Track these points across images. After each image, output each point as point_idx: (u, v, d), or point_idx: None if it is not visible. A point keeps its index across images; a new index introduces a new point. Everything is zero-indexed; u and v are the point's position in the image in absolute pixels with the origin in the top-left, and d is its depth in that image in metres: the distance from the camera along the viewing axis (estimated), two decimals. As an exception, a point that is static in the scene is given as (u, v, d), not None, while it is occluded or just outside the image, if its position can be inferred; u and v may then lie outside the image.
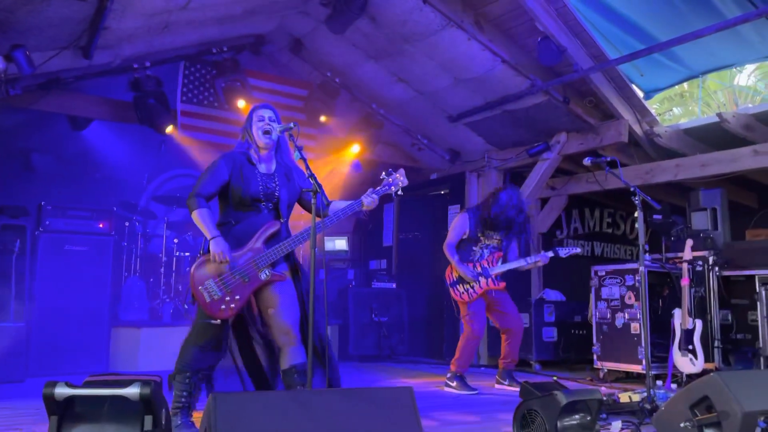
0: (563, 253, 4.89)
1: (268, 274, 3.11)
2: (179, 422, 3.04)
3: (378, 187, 3.31)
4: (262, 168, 3.28)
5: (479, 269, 4.85)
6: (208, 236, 3.06)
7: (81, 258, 5.57)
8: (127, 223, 6.66)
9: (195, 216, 3.10)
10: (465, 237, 4.95)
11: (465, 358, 4.87)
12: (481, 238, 4.92)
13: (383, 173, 3.35)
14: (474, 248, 4.93)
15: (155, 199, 7.33)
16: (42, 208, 5.51)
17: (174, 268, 6.81)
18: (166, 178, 7.84)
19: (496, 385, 4.99)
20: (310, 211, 3.20)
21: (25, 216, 5.34)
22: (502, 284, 4.91)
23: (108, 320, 5.69)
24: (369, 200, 3.25)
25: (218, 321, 3.07)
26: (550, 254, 4.86)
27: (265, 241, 3.14)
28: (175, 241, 6.86)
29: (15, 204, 5.41)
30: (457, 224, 4.99)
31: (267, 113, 3.30)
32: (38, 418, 3.51)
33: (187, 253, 6.95)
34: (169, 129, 6.28)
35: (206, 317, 3.08)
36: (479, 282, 4.82)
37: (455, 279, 4.89)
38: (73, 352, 5.40)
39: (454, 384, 4.83)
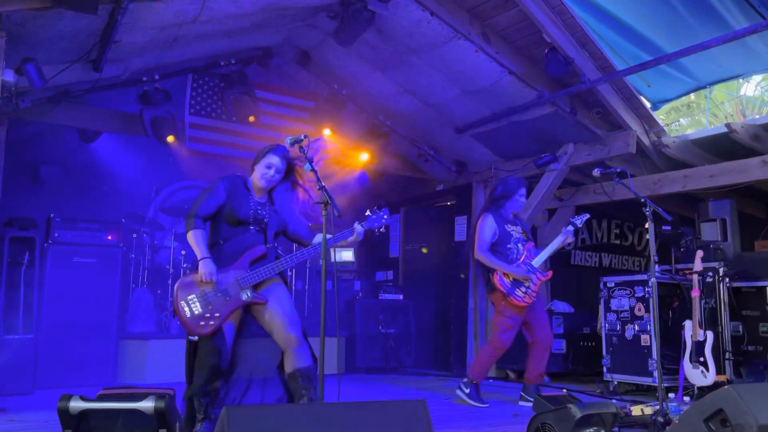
0: (579, 222, 4.87)
1: (249, 295, 3.18)
2: (197, 429, 3.09)
3: (363, 222, 3.43)
4: (256, 195, 3.41)
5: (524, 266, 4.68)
6: (199, 257, 3.17)
7: (89, 270, 5.58)
8: (134, 235, 6.66)
9: (190, 236, 3.22)
10: (496, 239, 4.74)
11: (485, 367, 4.74)
12: (511, 232, 4.77)
13: (368, 210, 3.45)
14: (509, 245, 4.73)
15: (163, 211, 7.35)
16: (51, 220, 5.53)
17: (181, 280, 6.79)
18: (174, 190, 7.86)
19: (521, 402, 4.75)
20: (294, 239, 3.48)
21: (34, 228, 5.35)
22: (550, 272, 4.80)
23: (116, 332, 5.69)
24: (353, 234, 3.36)
25: (196, 338, 3.15)
26: (570, 228, 4.80)
27: (250, 263, 3.23)
28: (183, 252, 6.85)
29: (24, 216, 5.42)
30: (485, 226, 4.75)
31: (276, 162, 3.38)
32: (48, 431, 3.50)
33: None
34: (171, 139, 6.30)
35: (188, 334, 3.17)
36: (532, 278, 4.63)
37: (511, 284, 4.63)
38: (80, 364, 5.40)
39: (467, 391, 4.70)
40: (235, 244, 3.26)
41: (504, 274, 4.65)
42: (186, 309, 3.11)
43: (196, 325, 3.10)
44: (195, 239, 3.19)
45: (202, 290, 3.13)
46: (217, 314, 3.11)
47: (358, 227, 3.37)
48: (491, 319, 6.82)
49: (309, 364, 3.18)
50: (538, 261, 4.71)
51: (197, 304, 3.11)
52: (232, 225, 3.28)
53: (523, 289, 4.62)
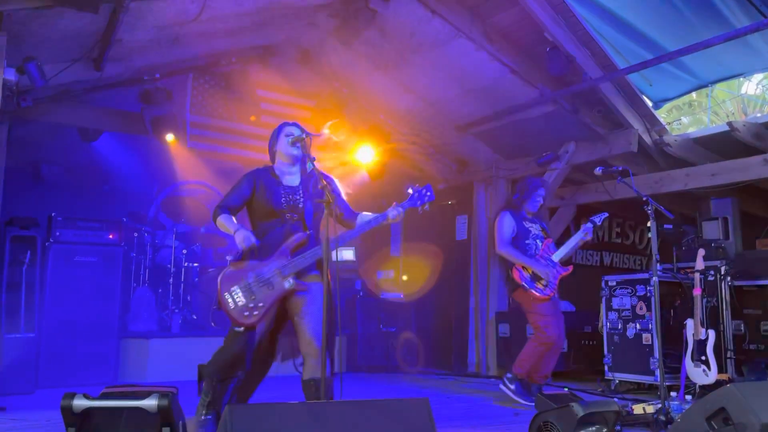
0: (598, 220, 4.87)
1: (292, 282, 3.15)
2: (201, 418, 3.08)
3: (404, 201, 3.37)
4: (286, 180, 3.36)
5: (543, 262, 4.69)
6: (231, 231, 3.17)
7: (91, 269, 5.58)
8: (136, 234, 6.67)
9: (218, 222, 3.24)
10: (514, 236, 4.77)
11: (531, 364, 4.65)
12: (530, 229, 4.79)
13: (409, 187, 3.39)
14: (527, 241, 4.76)
15: (164, 210, 7.35)
16: (52, 219, 5.53)
17: (183, 279, 6.81)
18: (175, 189, 7.86)
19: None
20: (339, 222, 3.36)
21: (35, 227, 5.34)
22: (570, 267, 4.78)
23: (117, 331, 5.69)
24: (394, 213, 3.31)
25: (242, 328, 3.11)
26: (590, 225, 4.79)
27: (291, 251, 3.20)
28: (184, 251, 6.87)
29: (25, 215, 5.42)
30: (503, 223, 4.80)
31: (295, 130, 3.38)
32: (51, 430, 3.50)
33: (195, 264, 6.96)
34: (170, 138, 6.30)
35: (233, 325, 3.14)
36: (552, 273, 4.64)
37: (530, 277, 4.64)
38: (82, 363, 5.40)
39: (512, 387, 4.66)
40: (274, 237, 3.23)
41: (523, 267, 4.67)
42: (230, 300, 3.11)
43: (241, 316, 3.10)
44: (223, 220, 3.22)
45: (245, 281, 3.13)
46: (261, 304, 3.10)
47: (391, 212, 3.30)
48: (491, 318, 6.86)
49: (326, 375, 3.14)
50: (557, 256, 4.74)
51: (240, 294, 3.12)
52: (267, 218, 3.27)
53: (544, 282, 4.64)
